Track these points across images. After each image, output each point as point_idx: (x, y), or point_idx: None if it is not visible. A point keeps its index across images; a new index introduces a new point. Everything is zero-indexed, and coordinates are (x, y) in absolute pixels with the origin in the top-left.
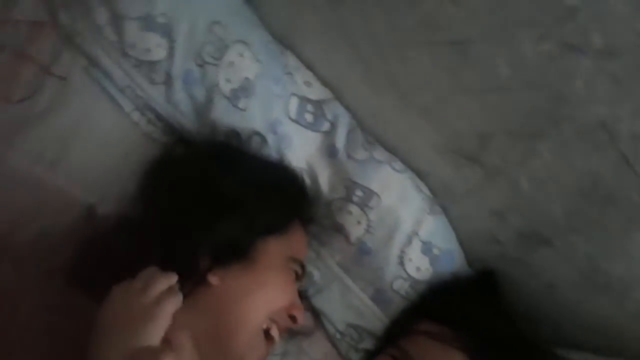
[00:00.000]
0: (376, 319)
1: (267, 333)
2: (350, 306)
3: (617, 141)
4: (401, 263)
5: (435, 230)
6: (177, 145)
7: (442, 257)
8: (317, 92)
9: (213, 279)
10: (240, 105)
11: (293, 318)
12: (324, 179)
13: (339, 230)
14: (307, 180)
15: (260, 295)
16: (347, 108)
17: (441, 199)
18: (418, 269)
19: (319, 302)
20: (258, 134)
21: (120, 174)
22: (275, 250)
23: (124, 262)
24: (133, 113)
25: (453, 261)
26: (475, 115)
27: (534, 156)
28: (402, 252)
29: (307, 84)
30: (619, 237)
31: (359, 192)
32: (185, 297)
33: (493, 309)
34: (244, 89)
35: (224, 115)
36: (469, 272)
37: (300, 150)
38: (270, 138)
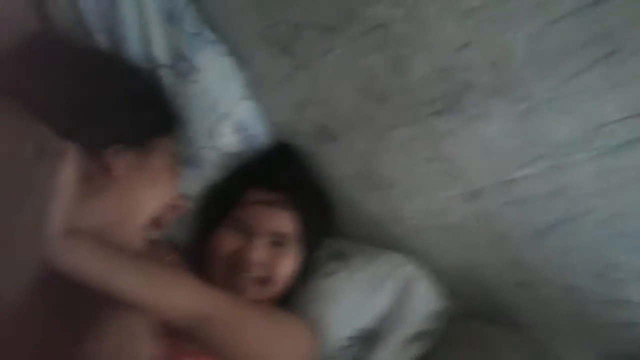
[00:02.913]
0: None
1: (156, 221)
2: None
3: (391, 42)
4: (211, 136)
5: (248, 115)
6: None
7: (250, 138)
8: None
9: (116, 166)
10: None
11: (174, 209)
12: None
13: None
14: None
15: (155, 189)
16: None
17: (254, 89)
18: (227, 144)
19: None
20: None
21: None
22: (166, 149)
23: None
24: None
25: (260, 143)
26: (292, 4)
27: (331, 51)
28: (214, 127)
29: None
30: (385, 134)
31: (183, 63)
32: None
33: (307, 174)
34: None
35: None
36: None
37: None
38: None
